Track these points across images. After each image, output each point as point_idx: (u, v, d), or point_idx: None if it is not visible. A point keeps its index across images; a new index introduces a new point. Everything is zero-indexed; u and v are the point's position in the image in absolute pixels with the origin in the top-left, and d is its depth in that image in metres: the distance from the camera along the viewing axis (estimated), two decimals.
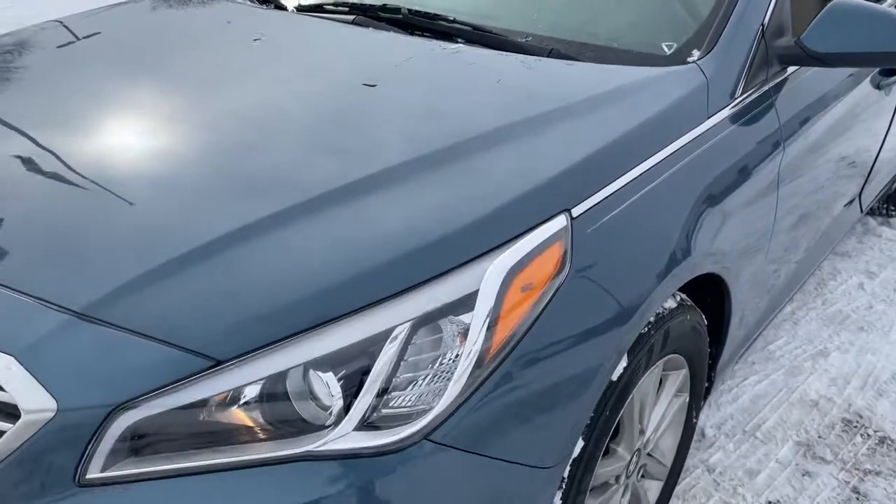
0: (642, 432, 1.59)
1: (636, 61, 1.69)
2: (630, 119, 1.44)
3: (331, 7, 2.04)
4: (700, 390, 1.80)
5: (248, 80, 1.67)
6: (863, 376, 2.57)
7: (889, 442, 2.31)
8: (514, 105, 1.47)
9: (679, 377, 1.69)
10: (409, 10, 1.92)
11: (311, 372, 1.08)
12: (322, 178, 1.30)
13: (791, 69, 1.91)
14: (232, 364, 1.06)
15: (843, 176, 2.49)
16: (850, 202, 2.80)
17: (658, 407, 1.66)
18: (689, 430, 1.85)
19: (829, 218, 2.48)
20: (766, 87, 1.81)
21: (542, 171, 1.30)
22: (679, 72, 1.62)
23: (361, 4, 2.01)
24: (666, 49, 1.74)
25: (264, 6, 2.14)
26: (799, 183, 2.00)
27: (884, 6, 1.86)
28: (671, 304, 1.52)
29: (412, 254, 1.14)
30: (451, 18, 1.86)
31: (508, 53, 1.72)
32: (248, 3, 2.18)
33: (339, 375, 1.08)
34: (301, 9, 2.10)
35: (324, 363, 1.08)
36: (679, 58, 1.69)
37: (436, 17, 1.88)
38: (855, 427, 2.35)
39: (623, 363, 1.35)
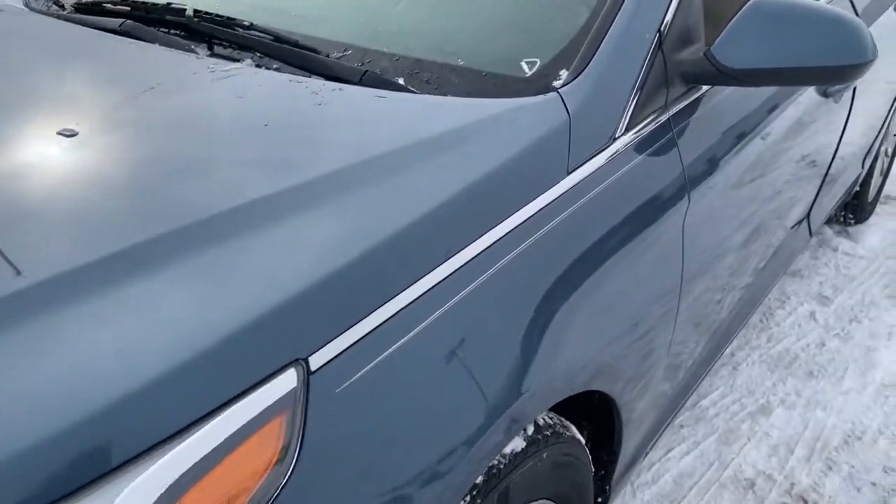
0: None
1: (483, 88, 1.22)
2: (436, 191, 0.97)
3: (108, 7, 1.55)
4: None
5: None
6: (810, 441, 2.15)
7: None
8: (260, 174, 0.98)
9: None
10: (197, 12, 1.43)
11: None
12: None
13: (703, 88, 1.45)
14: None
15: (783, 205, 2.05)
16: (797, 225, 2.36)
17: None
18: None
19: (763, 261, 2.04)
20: (664, 117, 1.34)
21: (255, 298, 0.80)
22: (531, 107, 1.15)
23: (144, 3, 1.51)
24: (526, 69, 1.27)
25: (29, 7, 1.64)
26: (715, 237, 1.55)
27: (822, 3, 1.41)
28: (516, 445, 1.07)
29: None
30: (248, 24, 1.37)
31: (305, 77, 1.24)
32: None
33: None
34: (79, 8, 1.60)
35: None
36: (542, 82, 1.22)
37: (228, 21, 1.39)
38: None
39: None
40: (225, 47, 1.38)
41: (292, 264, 0.83)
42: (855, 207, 3.25)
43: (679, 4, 1.38)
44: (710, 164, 1.44)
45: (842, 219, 3.32)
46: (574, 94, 1.19)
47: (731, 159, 1.54)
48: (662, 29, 1.34)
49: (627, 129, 1.25)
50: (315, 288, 0.81)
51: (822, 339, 2.59)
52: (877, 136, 2.92)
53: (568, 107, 1.16)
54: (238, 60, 1.34)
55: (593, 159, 1.17)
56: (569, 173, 1.12)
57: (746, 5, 1.35)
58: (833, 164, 2.34)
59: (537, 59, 1.29)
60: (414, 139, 1.06)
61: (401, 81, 1.24)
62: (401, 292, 0.87)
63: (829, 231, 3.28)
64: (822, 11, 1.35)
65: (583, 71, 1.23)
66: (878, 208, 3.52)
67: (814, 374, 2.42)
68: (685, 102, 1.40)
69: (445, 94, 1.22)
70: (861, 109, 2.53)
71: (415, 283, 0.88)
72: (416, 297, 0.88)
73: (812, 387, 2.36)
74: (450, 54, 1.30)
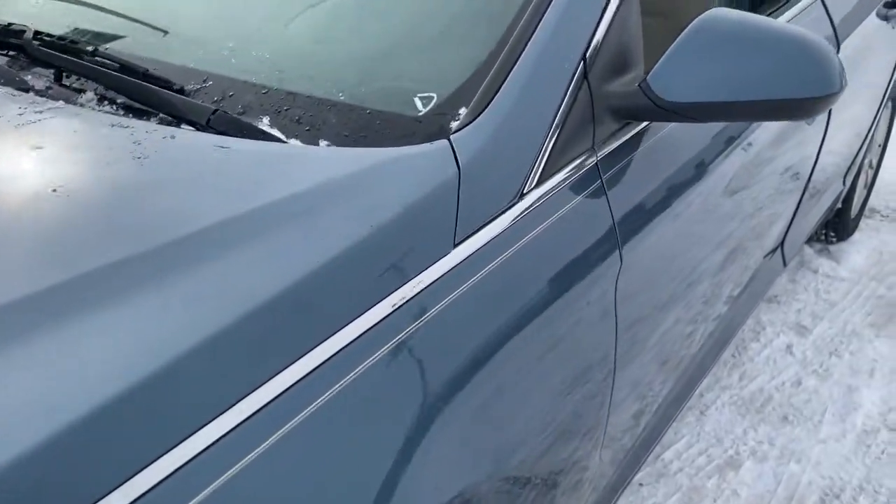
0: None
1: (364, 130, 0.98)
2: (248, 295, 0.73)
3: None
4: None
5: None
6: (783, 501, 1.93)
7: None
8: (21, 264, 0.75)
9: None
10: (38, 35, 1.19)
11: None
12: None
13: (641, 124, 1.22)
14: None
15: (750, 239, 1.83)
16: (770, 254, 2.14)
17: None
18: None
19: (730, 298, 1.82)
20: (590, 161, 1.11)
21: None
22: (408, 160, 0.91)
23: None
24: (420, 106, 1.04)
25: None
26: (661, 292, 1.32)
27: (782, 23, 1.18)
28: None
29: None
30: (92, 49, 1.14)
31: (136, 121, 1.01)
32: None
33: None
34: None
35: None
36: (438, 123, 0.99)
37: (70, 46, 1.16)
38: None
39: None
40: (68, 77, 1.15)
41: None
42: (837, 225, 3.03)
43: (610, 25, 1.14)
44: (651, 213, 1.21)
45: (823, 237, 3.10)
46: (468, 141, 0.95)
47: (678, 203, 1.31)
48: (588, 55, 1.11)
49: (540, 182, 1.02)
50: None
51: (799, 377, 2.37)
52: (859, 150, 2.71)
53: (459, 158, 0.93)
54: (81, 93, 1.11)
55: (491, 225, 0.93)
56: (455, 246, 0.89)
57: (690, 26, 1.13)
58: (809, 188, 2.12)
59: (434, 95, 1.06)
60: (235, 213, 0.82)
61: (261, 124, 1.01)
62: (183, 440, 0.64)
63: (809, 251, 3.06)
64: (781, 33, 1.12)
65: (483, 110, 0.99)
66: (863, 223, 3.31)
67: (788, 418, 2.20)
68: (617, 143, 1.16)
69: (317, 138, 0.99)
70: (841, 123, 2.31)
71: (203, 425, 0.65)
72: (205, 445, 0.64)
73: (786, 434, 2.14)
74: (329, 87, 1.07)
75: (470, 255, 0.90)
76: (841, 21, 1.99)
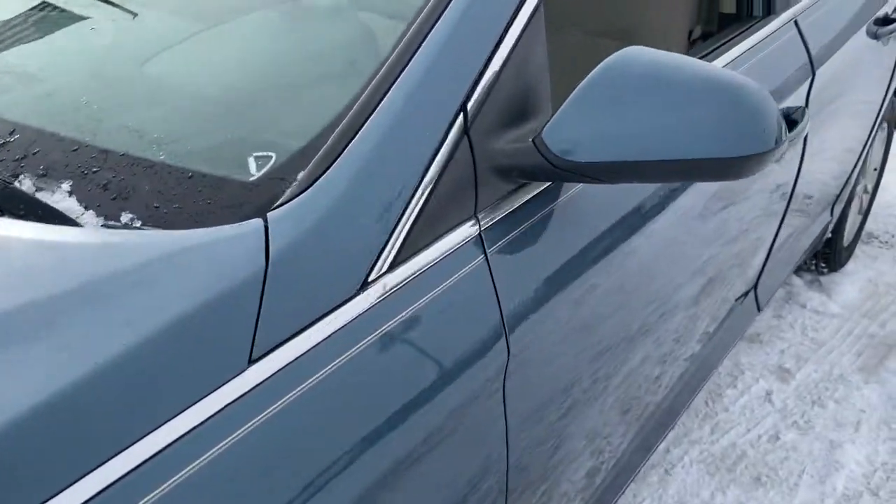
0: None
1: (185, 198, 0.80)
2: None
3: None
4: None
5: None
6: None
7: None
8: None
9: None
10: None
11: None
12: None
13: (543, 185, 1.03)
14: None
15: (710, 286, 1.63)
16: (742, 297, 1.94)
17: None
18: None
19: (692, 346, 1.62)
20: (471, 232, 0.92)
21: None
22: (206, 248, 0.72)
23: None
24: (254, 168, 0.86)
25: None
26: (577, 369, 1.13)
27: (706, 65, 0.98)
28: None
29: None
30: None
31: None
32: None
33: None
34: None
35: None
36: (274, 190, 0.80)
37: None
38: None
39: None
40: None
41: None
42: (827, 256, 2.82)
43: (503, 68, 0.95)
44: (555, 284, 1.01)
45: (814, 267, 2.89)
46: (291, 219, 0.77)
47: (601, 265, 1.11)
48: (470, 106, 0.92)
49: (395, 265, 0.83)
50: None
51: (777, 430, 2.16)
52: (849, 177, 2.49)
53: (271, 246, 0.74)
54: None
55: (311, 329, 0.75)
56: (252, 362, 0.70)
57: (595, 70, 0.93)
58: (784, 224, 1.91)
59: (272, 154, 0.87)
60: None
61: (54, 195, 0.83)
62: None
63: (798, 282, 2.85)
64: (706, 79, 0.92)
65: (319, 177, 0.81)
66: (859, 249, 3.09)
67: (762, 479, 1.99)
68: (511, 207, 0.97)
69: (121, 210, 0.81)
70: (823, 152, 2.11)
71: None
72: None
73: (758, 499, 1.93)
74: (149, 143, 0.89)
75: (274, 374, 0.71)
76: (818, 43, 1.79)
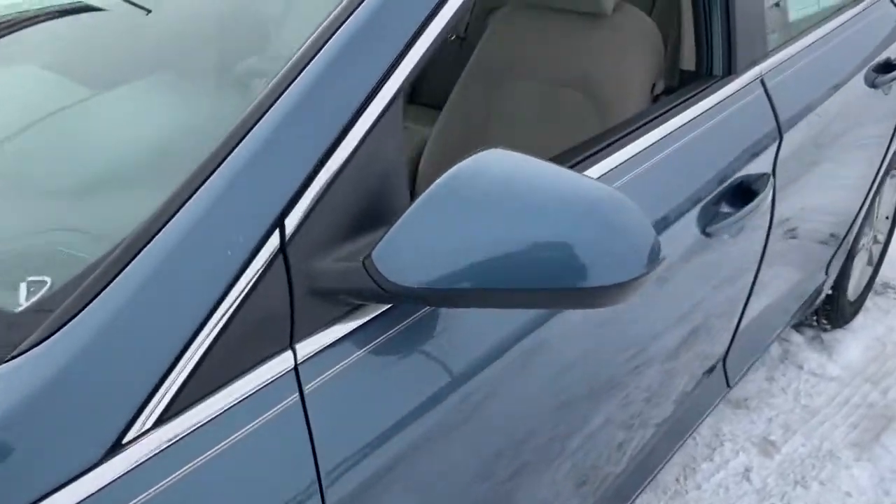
0: None
1: None
2: None
3: None
4: None
5: None
6: None
7: None
8: None
9: None
10: None
11: None
12: None
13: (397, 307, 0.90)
14: None
15: (663, 374, 1.49)
16: (708, 373, 1.79)
17: None
18: None
19: (646, 431, 1.47)
20: (282, 370, 0.80)
21: None
22: None
23: None
24: (23, 297, 0.75)
25: None
26: None
27: (577, 175, 0.85)
28: None
29: None
30: None
31: None
32: None
33: None
34: None
35: None
36: (29, 326, 0.70)
37: None
38: None
39: None
40: None
41: None
42: (829, 312, 2.63)
43: (336, 174, 0.83)
44: (395, 431, 0.88)
45: (815, 323, 2.69)
46: (23, 372, 0.66)
47: (486, 373, 0.98)
48: (288, 220, 0.80)
49: (169, 416, 0.71)
50: None
51: None
52: (848, 233, 2.31)
53: None
54: None
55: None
56: None
57: (440, 180, 0.81)
58: (755, 294, 1.75)
59: (47, 280, 0.77)
60: None
61: None
62: None
63: (798, 339, 2.66)
64: (564, 193, 0.80)
65: (78, 314, 0.70)
66: (871, 301, 2.88)
67: None
68: (337, 336, 0.84)
69: None
70: (811, 210, 1.94)
71: None
72: None
73: None
74: None
75: None
76: (788, 103, 1.63)
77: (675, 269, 1.40)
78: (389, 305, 0.87)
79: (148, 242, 0.74)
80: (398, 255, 0.79)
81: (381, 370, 0.86)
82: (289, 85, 0.83)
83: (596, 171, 1.23)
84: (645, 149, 1.34)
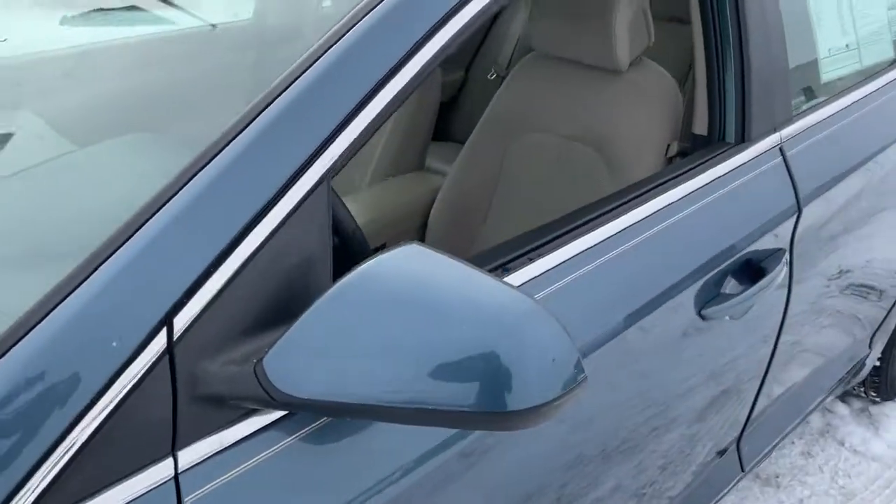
0: None
1: None
2: None
3: None
4: None
5: None
6: None
7: None
8: None
9: None
10: None
11: None
12: None
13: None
14: None
15: (674, 450, 1.38)
16: (719, 455, 1.66)
17: None
18: None
19: None
20: (160, 479, 0.74)
21: None
22: None
23: None
24: None
25: None
26: None
27: (495, 281, 0.77)
28: None
29: None
30: None
31: None
32: None
33: None
34: None
35: None
36: None
37: None
38: None
39: None
40: None
41: None
42: (877, 385, 2.43)
43: (242, 268, 0.78)
44: None
45: (863, 394, 2.50)
46: None
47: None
48: (178, 317, 0.75)
49: None
50: None
51: None
52: (894, 305, 2.13)
53: None
54: None
55: None
56: None
57: (341, 282, 0.75)
58: (772, 373, 1.61)
59: None
60: None
61: None
62: None
63: (843, 410, 2.48)
64: (471, 302, 0.73)
65: None
66: None
67: None
68: (227, 443, 0.78)
69: None
70: (835, 289, 1.77)
71: None
72: None
73: None
74: None
75: None
76: (811, 173, 1.50)
77: (670, 349, 1.30)
78: (285, 412, 0.81)
79: (23, 337, 0.70)
80: (290, 361, 0.74)
81: (273, 484, 0.80)
82: (198, 172, 0.79)
83: (599, 234, 1.17)
84: (650, 215, 1.26)
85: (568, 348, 0.73)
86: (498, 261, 1.06)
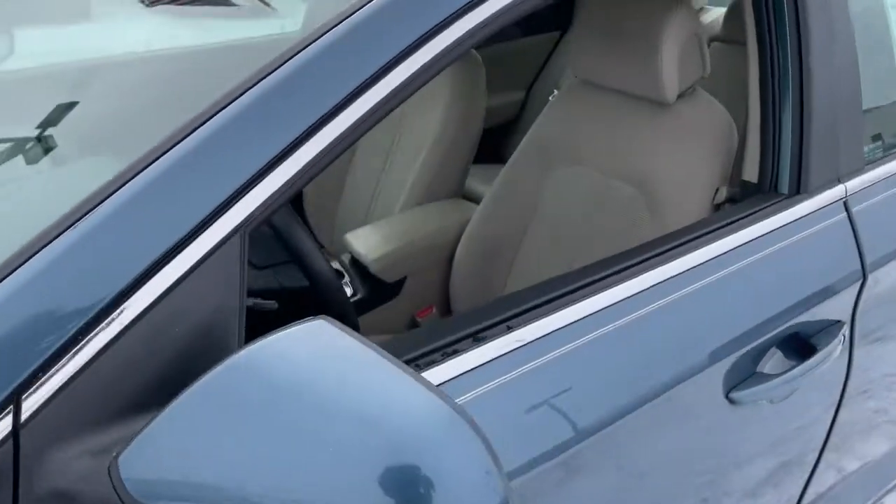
0: None
1: None
2: None
3: None
4: None
5: None
6: None
7: None
8: None
9: None
10: None
11: None
12: None
13: None
14: None
15: None
16: None
17: None
18: None
19: None
20: None
21: None
22: None
23: None
24: None
25: None
26: None
27: (411, 375, 0.61)
28: None
29: None
30: None
31: None
32: None
33: None
34: None
35: None
36: None
37: None
38: None
39: None
40: None
41: None
42: None
43: (115, 341, 0.64)
44: None
45: None
46: None
47: None
48: (27, 395, 0.62)
49: None
50: None
51: None
52: None
53: None
54: None
55: None
56: None
57: (215, 370, 0.61)
58: (820, 471, 1.38)
59: None
60: None
61: None
62: None
63: None
64: (384, 404, 0.58)
65: None
66: None
67: None
68: None
69: None
70: None
71: None
72: None
73: None
74: None
75: None
76: (880, 233, 1.28)
77: (692, 440, 1.11)
78: None
79: None
80: (148, 461, 0.60)
81: None
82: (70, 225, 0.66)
83: (634, 285, 1.02)
84: (689, 269, 1.09)
85: (490, 478, 0.56)
86: (521, 307, 0.94)
